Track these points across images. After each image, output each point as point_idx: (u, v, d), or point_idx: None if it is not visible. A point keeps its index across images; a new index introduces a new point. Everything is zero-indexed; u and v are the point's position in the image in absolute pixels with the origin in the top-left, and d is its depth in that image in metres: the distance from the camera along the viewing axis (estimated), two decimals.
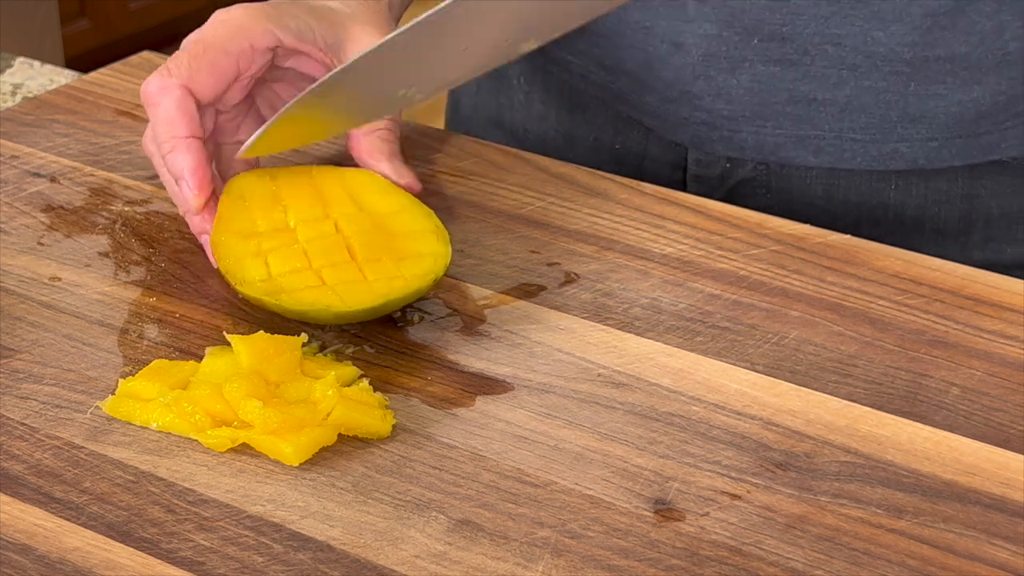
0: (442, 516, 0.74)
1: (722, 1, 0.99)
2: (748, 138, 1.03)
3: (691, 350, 0.85)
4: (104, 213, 0.96)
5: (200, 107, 0.90)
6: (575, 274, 0.91)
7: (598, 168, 1.01)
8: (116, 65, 1.13)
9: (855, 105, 1.01)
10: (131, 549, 0.71)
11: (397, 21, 0.97)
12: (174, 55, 0.91)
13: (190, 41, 0.91)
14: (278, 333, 0.83)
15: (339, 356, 0.84)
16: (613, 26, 1.03)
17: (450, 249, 0.87)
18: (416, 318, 0.87)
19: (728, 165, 1.04)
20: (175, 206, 0.96)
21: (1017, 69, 0.99)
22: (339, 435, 0.78)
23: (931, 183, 1.03)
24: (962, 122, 1.01)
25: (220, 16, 0.91)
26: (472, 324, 0.87)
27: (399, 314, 0.87)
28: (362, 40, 0.92)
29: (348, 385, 0.81)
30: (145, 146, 0.92)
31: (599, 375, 0.83)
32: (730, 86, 1.01)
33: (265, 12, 0.91)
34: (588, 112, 1.09)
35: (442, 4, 0.81)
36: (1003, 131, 1.02)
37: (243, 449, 0.77)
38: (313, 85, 0.86)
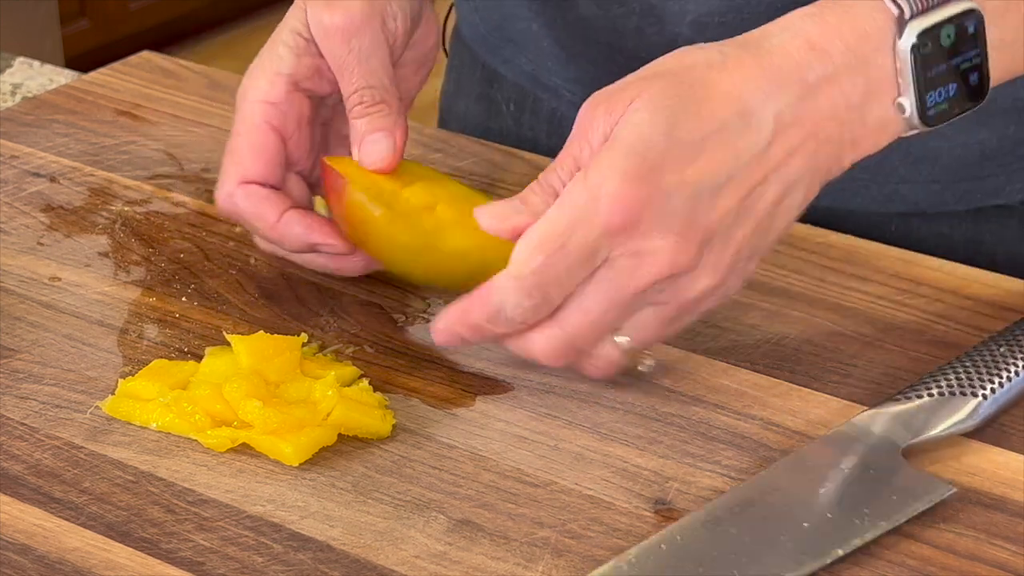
0: (442, 516, 0.74)
1: (719, 32, 0.94)
2: None
3: (691, 350, 0.85)
4: (104, 213, 0.96)
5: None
6: None
7: None
8: (116, 65, 1.13)
9: None
10: (131, 549, 0.71)
11: (407, 34, 0.94)
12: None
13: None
14: (278, 333, 0.83)
15: (339, 356, 0.84)
16: (606, 54, 1.02)
17: None
18: (417, 318, 0.87)
19: None
20: (175, 206, 0.96)
21: None
22: (339, 435, 0.78)
23: (933, 226, 0.99)
24: (966, 164, 0.98)
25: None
26: None
27: (399, 314, 0.87)
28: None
29: (348, 385, 0.81)
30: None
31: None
32: None
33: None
34: None
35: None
36: (1009, 174, 0.98)
37: (243, 449, 0.77)
38: None
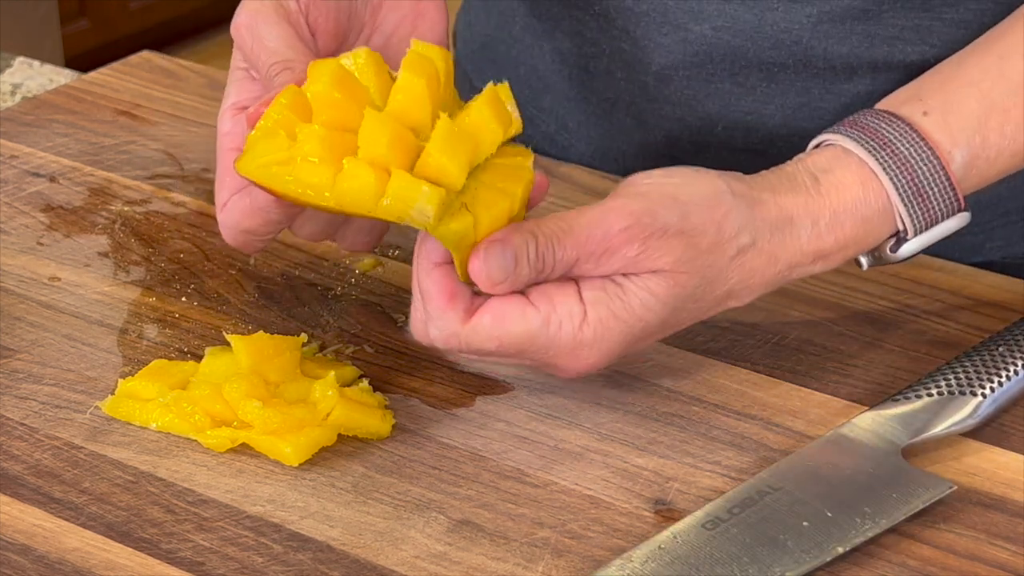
0: (442, 516, 0.74)
1: (684, 84, 0.96)
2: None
3: (691, 350, 0.85)
4: (103, 213, 0.96)
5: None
6: None
7: None
8: (116, 65, 1.13)
9: None
10: (131, 549, 0.71)
11: None
12: None
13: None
14: (278, 333, 0.83)
15: (339, 356, 0.84)
16: (579, 91, 1.02)
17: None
18: None
19: None
20: (175, 206, 0.96)
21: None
22: (339, 435, 0.78)
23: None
24: None
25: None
26: None
27: (399, 314, 0.87)
28: None
29: (348, 385, 0.81)
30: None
31: (599, 375, 0.83)
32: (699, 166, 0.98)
33: None
34: (551, 173, 1.06)
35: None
36: (988, 232, 0.99)
37: (243, 449, 0.77)
38: None
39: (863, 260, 0.83)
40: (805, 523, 0.72)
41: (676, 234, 0.76)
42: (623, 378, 0.83)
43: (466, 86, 1.11)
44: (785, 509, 0.73)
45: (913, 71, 0.89)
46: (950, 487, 0.75)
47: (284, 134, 0.76)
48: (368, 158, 0.75)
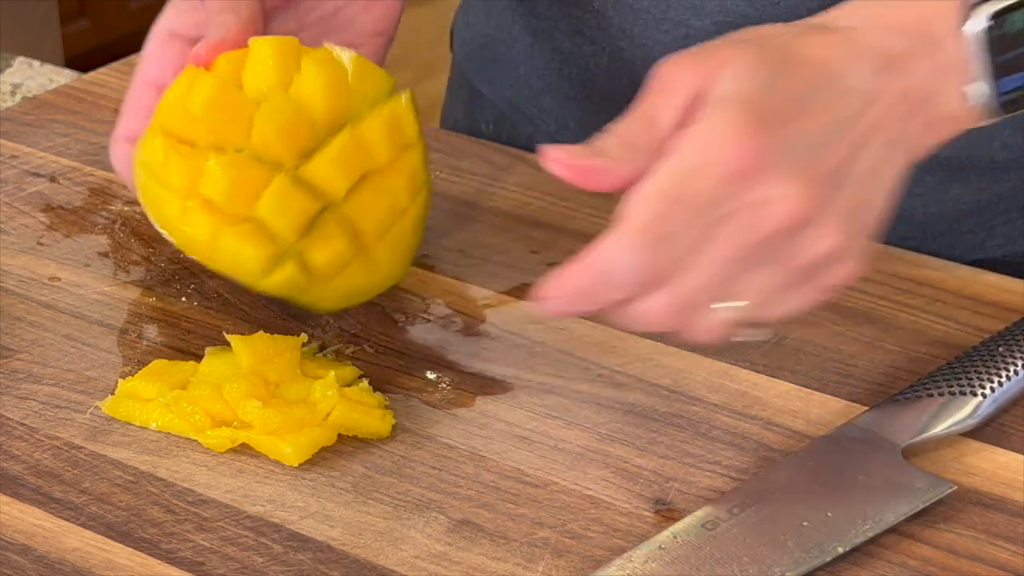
0: (442, 516, 0.74)
1: None
2: None
3: (691, 350, 0.85)
4: (104, 213, 0.96)
5: None
6: None
7: None
8: (116, 65, 1.13)
9: None
10: (131, 549, 0.71)
11: None
12: None
13: None
14: (278, 333, 0.83)
15: (339, 356, 0.84)
16: (579, 90, 1.02)
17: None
18: (416, 319, 0.87)
19: None
20: None
21: (1003, 172, 0.95)
22: (339, 435, 0.78)
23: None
24: (943, 221, 0.96)
25: None
26: (472, 324, 0.87)
27: (399, 314, 0.87)
28: None
29: (348, 385, 0.81)
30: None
31: (599, 375, 0.83)
32: None
33: None
34: (566, 135, 1.07)
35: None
36: (989, 229, 0.98)
37: (243, 449, 0.77)
38: None
39: (974, 90, 0.74)
40: (805, 523, 0.72)
41: (722, 44, 0.73)
42: (623, 378, 0.83)
43: (464, 88, 1.11)
44: (785, 509, 0.73)
45: None
46: (950, 487, 0.75)
47: (159, 141, 0.80)
48: (210, 201, 0.79)
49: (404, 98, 0.83)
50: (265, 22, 0.87)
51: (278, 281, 0.80)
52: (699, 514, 0.73)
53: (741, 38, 0.74)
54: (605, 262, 0.71)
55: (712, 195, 0.70)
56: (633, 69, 0.98)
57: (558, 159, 0.72)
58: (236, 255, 0.79)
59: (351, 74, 0.82)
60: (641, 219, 0.70)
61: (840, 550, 0.71)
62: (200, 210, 0.79)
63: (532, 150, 1.06)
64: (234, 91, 0.80)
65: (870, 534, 0.72)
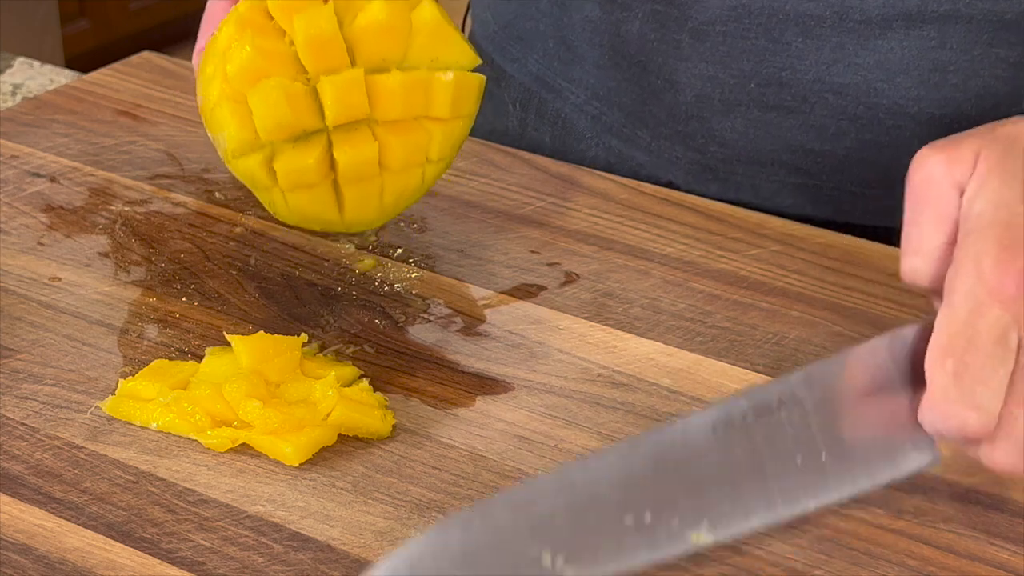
0: (442, 516, 0.74)
1: (719, 40, 0.97)
2: (743, 181, 1.01)
3: (691, 350, 0.85)
4: (104, 213, 0.96)
5: None
6: (575, 274, 0.91)
7: None
8: (116, 65, 1.13)
9: (855, 158, 0.97)
10: (131, 549, 0.71)
11: None
12: None
13: None
14: (278, 333, 0.83)
15: (339, 356, 0.84)
16: (609, 57, 1.02)
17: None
18: (416, 318, 0.87)
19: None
20: (175, 206, 0.96)
21: None
22: (339, 435, 0.78)
23: None
24: None
25: None
26: (472, 324, 0.87)
27: (399, 314, 0.87)
28: None
29: (348, 385, 0.81)
30: None
31: (599, 375, 0.83)
32: (724, 129, 0.99)
33: None
34: (582, 142, 1.07)
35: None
36: None
37: (243, 449, 0.77)
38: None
39: None
40: (799, 458, 0.67)
41: (975, 135, 0.70)
42: (623, 378, 0.83)
43: (486, 69, 1.11)
44: (790, 434, 0.67)
45: (945, 23, 0.88)
46: (936, 460, 0.70)
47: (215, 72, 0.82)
48: (225, 72, 0.82)
49: (475, 81, 0.85)
50: None
51: (242, 167, 0.83)
52: (714, 412, 0.67)
53: (994, 133, 0.71)
54: (930, 424, 0.68)
55: (998, 326, 0.67)
56: (667, 30, 0.98)
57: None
58: (220, 127, 0.82)
59: (424, 31, 0.83)
60: (942, 378, 0.67)
61: (812, 506, 0.67)
62: (217, 77, 0.82)
63: (560, 125, 1.07)
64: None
65: (851, 492, 0.68)
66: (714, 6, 0.96)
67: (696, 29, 0.97)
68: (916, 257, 0.71)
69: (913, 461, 0.69)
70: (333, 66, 0.82)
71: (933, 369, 0.67)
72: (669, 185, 1.03)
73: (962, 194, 0.69)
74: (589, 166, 1.03)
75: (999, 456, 0.68)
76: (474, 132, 1.08)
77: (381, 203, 0.85)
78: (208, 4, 0.90)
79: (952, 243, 0.69)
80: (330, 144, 0.83)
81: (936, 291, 0.69)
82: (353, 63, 0.82)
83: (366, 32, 0.82)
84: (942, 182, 0.70)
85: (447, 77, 0.83)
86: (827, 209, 1.00)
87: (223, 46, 0.83)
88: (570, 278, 0.91)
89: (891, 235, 0.99)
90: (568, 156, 1.06)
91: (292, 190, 0.83)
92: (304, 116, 0.82)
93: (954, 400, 0.67)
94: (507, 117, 1.10)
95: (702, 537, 0.66)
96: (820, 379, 0.69)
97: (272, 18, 0.82)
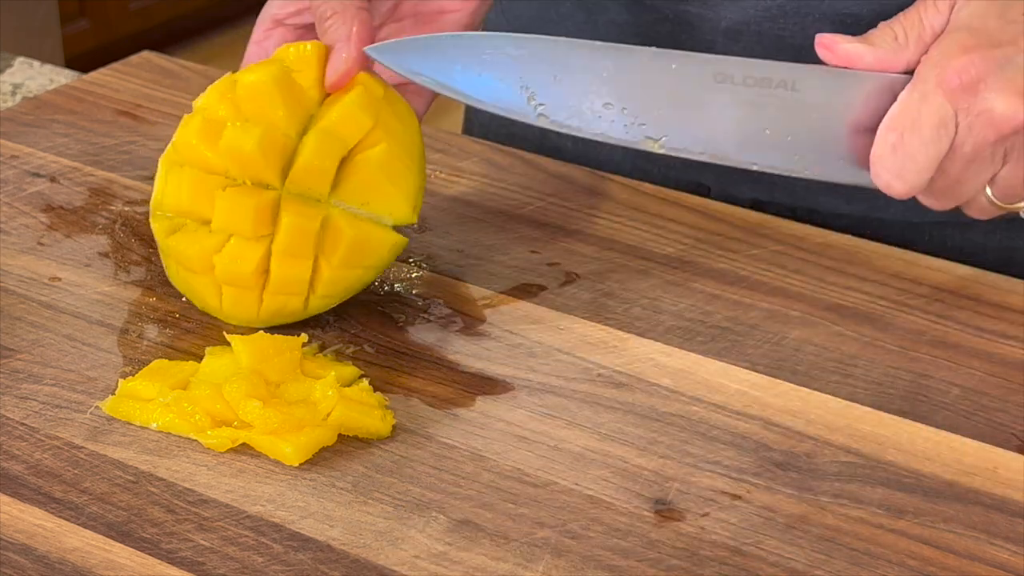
0: (442, 516, 0.74)
1: (754, 40, 0.97)
2: (777, 180, 1.00)
3: (691, 350, 0.85)
4: (104, 213, 0.96)
5: None
6: (575, 274, 0.91)
7: None
8: (116, 65, 1.13)
9: None
10: (131, 549, 0.71)
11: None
12: None
13: None
14: (278, 333, 0.83)
15: (339, 356, 0.84)
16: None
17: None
18: (416, 318, 0.87)
19: (752, 208, 1.01)
20: None
21: None
22: (339, 435, 0.78)
23: (967, 235, 0.99)
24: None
25: None
26: (472, 324, 0.87)
27: (399, 314, 0.87)
28: None
29: (348, 385, 0.81)
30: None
31: (599, 375, 0.83)
32: None
33: None
34: (606, 147, 1.07)
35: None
36: (990, 231, 0.98)
37: (243, 449, 0.77)
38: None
39: None
40: (767, 131, 0.83)
41: None
42: (623, 378, 0.83)
43: None
44: (771, 107, 0.83)
45: None
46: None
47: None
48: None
49: (390, 238, 0.85)
50: None
51: (153, 225, 0.85)
52: (715, 62, 0.83)
53: None
54: (879, 182, 0.83)
55: (940, 113, 0.81)
56: (699, 31, 0.98)
57: (828, 45, 0.84)
58: (157, 178, 0.85)
59: (362, 174, 0.83)
60: (885, 146, 0.82)
61: (755, 167, 0.84)
62: (177, 135, 0.85)
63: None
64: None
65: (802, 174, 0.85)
66: (749, 7, 0.96)
67: (730, 30, 0.97)
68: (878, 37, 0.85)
69: (856, 178, 0.85)
70: (256, 177, 0.82)
71: (879, 137, 0.82)
72: (700, 187, 1.03)
73: (953, 7, 0.83)
74: (615, 172, 1.03)
75: (919, 199, 0.85)
76: (492, 137, 1.07)
77: (258, 313, 0.84)
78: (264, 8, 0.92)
79: (917, 57, 0.83)
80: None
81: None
82: (282, 180, 0.82)
83: (297, 162, 0.82)
84: (940, 4, 0.84)
85: (349, 228, 0.82)
86: (862, 206, 1.00)
87: (197, 106, 0.84)
88: (570, 278, 0.91)
89: (923, 231, 0.99)
90: (592, 162, 1.05)
91: (180, 266, 0.84)
92: (202, 210, 0.83)
93: (887, 168, 0.82)
94: (527, 123, 1.10)
95: (656, 145, 0.83)
96: (820, 82, 0.84)
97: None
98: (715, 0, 0.96)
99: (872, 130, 0.83)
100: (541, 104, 0.84)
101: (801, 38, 0.96)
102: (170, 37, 3.42)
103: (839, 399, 0.82)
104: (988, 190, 0.84)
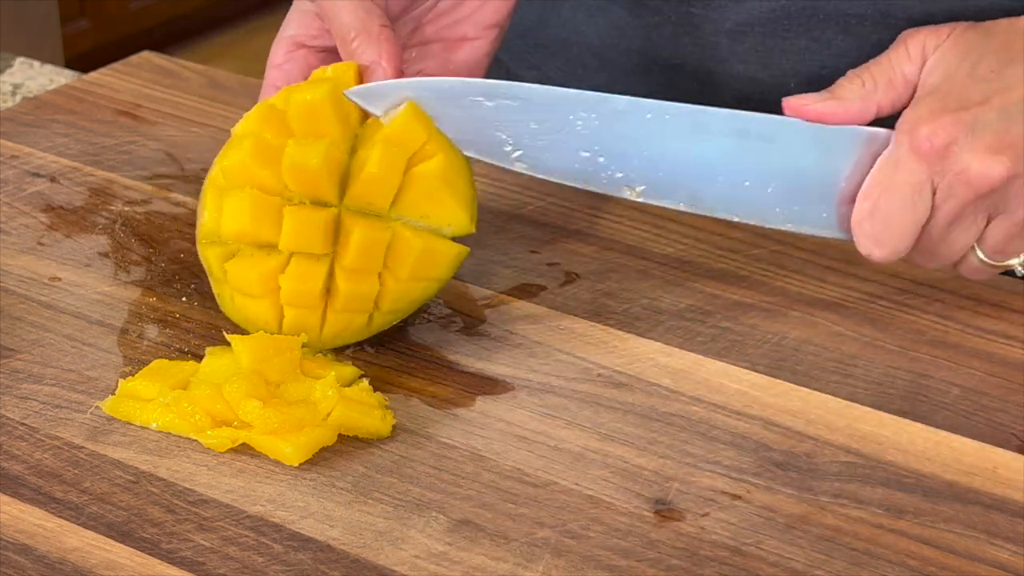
0: (442, 516, 0.74)
1: (758, 41, 0.97)
2: None
3: (691, 350, 0.85)
4: (104, 213, 0.96)
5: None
6: (575, 274, 0.91)
7: None
8: (116, 65, 1.13)
9: None
10: (131, 549, 0.71)
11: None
12: None
13: None
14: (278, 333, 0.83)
15: (339, 356, 0.84)
16: (639, 63, 1.02)
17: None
18: (416, 319, 0.87)
19: None
20: (175, 206, 0.96)
21: None
22: (339, 435, 0.78)
23: None
24: None
25: None
26: (472, 324, 0.87)
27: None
28: None
29: (348, 385, 0.81)
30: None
31: (599, 375, 0.83)
32: None
33: None
34: None
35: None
36: None
37: (243, 449, 0.77)
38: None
39: None
40: (746, 183, 0.84)
41: (956, 23, 0.86)
42: (623, 378, 0.83)
43: (502, 77, 1.10)
44: (751, 160, 0.84)
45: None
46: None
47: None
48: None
49: (452, 249, 0.84)
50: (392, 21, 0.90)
51: (205, 253, 0.84)
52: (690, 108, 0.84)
53: (979, 24, 0.86)
54: (862, 251, 0.84)
55: (915, 177, 0.82)
56: (703, 32, 0.98)
57: (796, 109, 0.85)
58: (202, 208, 0.84)
59: (421, 187, 0.82)
60: (861, 214, 0.84)
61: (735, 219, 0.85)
62: (221, 158, 0.83)
63: None
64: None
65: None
66: (753, 8, 0.96)
67: (734, 31, 0.97)
68: (846, 86, 0.86)
69: (837, 234, 0.86)
70: (316, 195, 0.81)
71: (857, 204, 0.84)
72: None
73: (925, 60, 0.85)
74: None
75: (907, 259, 0.86)
76: None
77: (320, 334, 0.83)
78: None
79: (889, 103, 0.85)
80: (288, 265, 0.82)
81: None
82: (342, 197, 0.81)
83: (358, 176, 0.81)
84: (915, 45, 0.86)
85: (416, 240, 0.82)
86: None
87: (240, 132, 0.83)
88: (570, 278, 0.91)
89: None
90: None
91: (238, 293, 0.83)
92: (265, 232, 0.81)
93: (866, 234, 0.84)
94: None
95: (634, 193, 0.85)
96: (797, 135, 0.85)
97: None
98: (719, 1, 0.96)
99: (851, 186, 0.84)
100: (518, 151, 0.85)
101: (806, 39, 0.96)
102: (170, 37, 3.42)
103: (839, 399, 0.82)
104: (978, 251, 0.84)
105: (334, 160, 0.81)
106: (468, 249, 0.84)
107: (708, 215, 0.85)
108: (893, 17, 0.94)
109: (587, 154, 0.84)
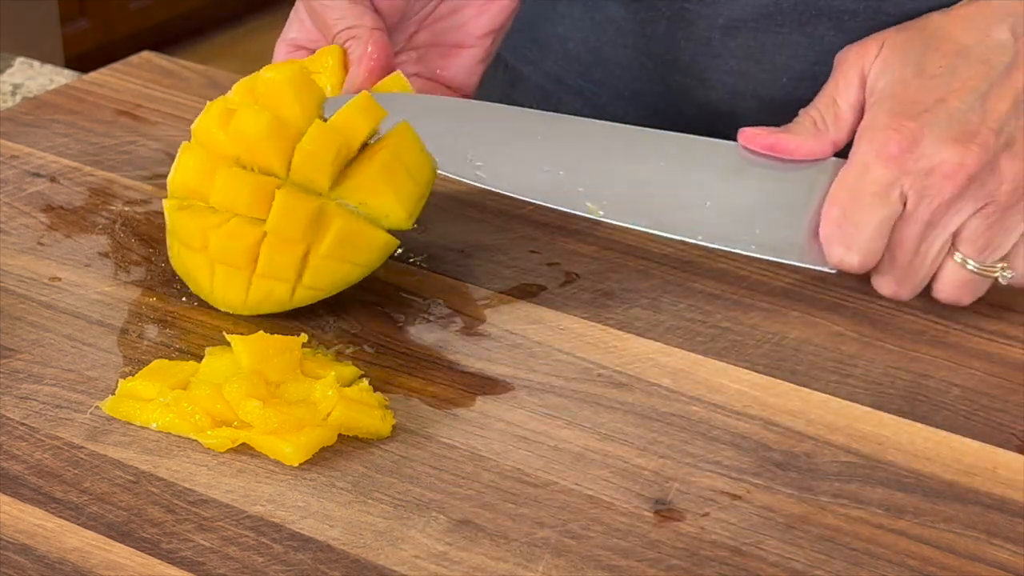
0: (442, 516, 0.74)
1: (751, 36, 0.97)
2: None
3: (691, 350, 0.85)
4: (104, 213, 0.96)
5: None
6: (575, 274, 0.91)
7: None
8: (116, 65, 1.13)
9: None
10: (131, 549, 0.71)
11: None
12: None
13: None
14: (278, 333, 0.83)
15: (339, 356, 0.84)
16: (634, 57, 1.02)
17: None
18: (416, 319, 0.87)
19: None
20: None
21: None
22: (339, 435, 0.78)
23: None
24: None
25: None
26: (472, 324, 0.87)
27: (399, 314, 0.87)
28: None
29: (348, 385, 0.81)
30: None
31: (599, 375, 0.83)
32: (755, 124, 0.98)
33: None
34: None
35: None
36: None
37: (243, 449, 0.77)
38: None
39: None
40: (707, 203, 0.85)
41: (883, 32, 0.87)
42: (623, 378, 0.83)
43: (500, 71, 1.10)
44: (716, 184, 0.85)
45: None
46: None
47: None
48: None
49: (381, 238, 0.86)
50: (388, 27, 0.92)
51: (165, 204, 0.87)
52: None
53: (905, 27, 0.87)
54: (831, 260, 0.85)
55: (882, 182, 0.83)
56: (696, 28, 0.98)
57: (750, 139, 0.86)
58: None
59: (364, 175, 0.85)
60: (830, 222, 0.84)
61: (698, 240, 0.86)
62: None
63: None
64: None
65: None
66: (746, 3, 0.96)
67: (727, 27, 0.97)
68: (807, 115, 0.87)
69: (804, 259, 0.86)
70: (261, 164, 0.84)
71: (824, 214, 0.84)
72: None
73: (865, 80, 0.86)
74: None
75: (884, 286, 0.86)
76: None
77: (245, 298, 0.86)
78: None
79: (845, 135, 0.86)
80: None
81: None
82: (287, 171, 0.84)
83: (300, 151, 0.84)
84: (849, 70, 0.86)
85: (339, 219, 0.84)
86: None
87: (223, 98, 0.87)
88: (570, 278, 0.91)
89: None
90: None
91: (182, 243, 0.86)
92: (204, 188, 0.85)
93: (836, 241, 0.84)
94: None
95: (596, 211, 0.86)
96: (766, 165, 0.86)
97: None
98: None
99: (816, 216, 0.85)
100: (479, 165, 0.86)
101: (798, 35, 0.96)
102: (170, 37, 3.42)
103: (839, 399, 0.82)
104: (958, 256, 0.84)
105: (282, 133, 0.83)
106: (397, 241, 0.86)
107: (675, 237, 0.86)
108: (884, 13, 0.94)
109: (548, 171, 0.86)
